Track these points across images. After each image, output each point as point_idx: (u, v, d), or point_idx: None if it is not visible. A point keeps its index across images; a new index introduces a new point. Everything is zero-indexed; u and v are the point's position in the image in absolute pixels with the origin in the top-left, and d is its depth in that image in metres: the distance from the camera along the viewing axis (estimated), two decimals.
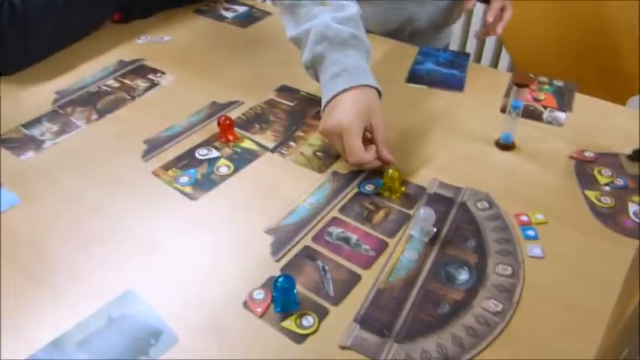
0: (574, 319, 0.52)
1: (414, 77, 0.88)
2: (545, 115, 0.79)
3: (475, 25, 1.73)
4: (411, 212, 0.64)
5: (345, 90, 0.66)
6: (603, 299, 0.54)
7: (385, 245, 0.60)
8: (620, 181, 0.67)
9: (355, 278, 0.56)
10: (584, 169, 0.69)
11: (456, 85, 0.86)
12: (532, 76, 0.86)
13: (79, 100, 0.84)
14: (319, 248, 0.60)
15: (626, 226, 0.62)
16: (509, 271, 0.57)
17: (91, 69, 0.92)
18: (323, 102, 0.69)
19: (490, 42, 1.75)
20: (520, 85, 0.68)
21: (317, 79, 0.73)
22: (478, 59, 1.78)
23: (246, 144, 0.75)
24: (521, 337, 0.51)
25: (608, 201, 0.65)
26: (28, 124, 0.79)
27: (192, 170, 0.70)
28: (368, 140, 0.68)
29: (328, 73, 0.68)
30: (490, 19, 0.90)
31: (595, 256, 0.58)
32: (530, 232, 0.61)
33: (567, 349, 0.50)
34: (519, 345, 0.50)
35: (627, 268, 0.57)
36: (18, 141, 0.76)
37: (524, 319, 0.52)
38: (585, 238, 0.60)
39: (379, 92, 0.69)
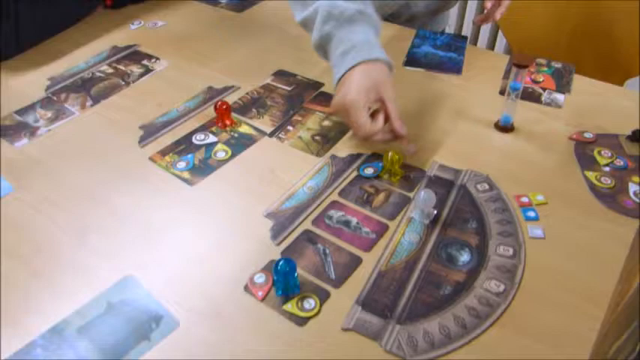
0: (575, 298, 0.52)
1: (411, 60, 0.88)
2: (544, 96, 0.79)
3: (471, 8, 1.71)
4: (411, 195, 0.64)
5: (354, 66, 0.65)
6: (604, 279, 0.54)
7: (386, 228, 0.60)
8: (619, 162, 0.67)
9: (356, 261, 0.56)
10: (583, 150, 0.69)
11: (454, 67, 0.86)
12: (531, 56, 0.85)
13: (73, 87, 0.83)
14: (319, 231, 0.59)
15: (626, 206, 0.61)
16: (511, 252, 0.56)
17: (84, 55, 0.91)
18: (334, 81, 0.68)
19: (486, 25, 1.73)
20: (520, 66, 0.67)
21: (327, 59, 0.72)
22: (474, 42, 1.77)
23: (244, 129, 0.74)
24: (523, 318, 0.51)
25: (608, 181, 0.64)
26: (21, 111, 0.78)
27: (189, 155, 0.70)
28: (377, 113, 0.67)
29: (337, 52, 0.68)
30: (488, 5, 0.88)
31: (595, 236, 0.58)
32: (531, 214, 0.60)
33: (569, 328, 0.50)
34: (521, 325, 0.50)
35: (628, 247, 0.57)
36: (11, 128, 0.75)
37: (526, 299, 0.52)
38: (586, 219, 0.60)
39: (390, 66, 0.68)
